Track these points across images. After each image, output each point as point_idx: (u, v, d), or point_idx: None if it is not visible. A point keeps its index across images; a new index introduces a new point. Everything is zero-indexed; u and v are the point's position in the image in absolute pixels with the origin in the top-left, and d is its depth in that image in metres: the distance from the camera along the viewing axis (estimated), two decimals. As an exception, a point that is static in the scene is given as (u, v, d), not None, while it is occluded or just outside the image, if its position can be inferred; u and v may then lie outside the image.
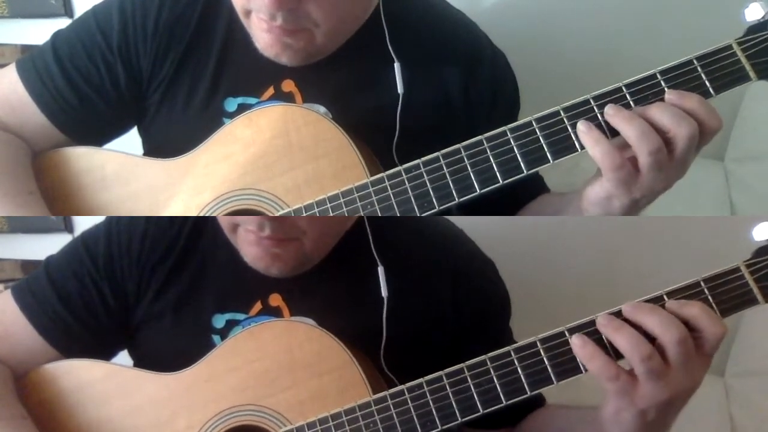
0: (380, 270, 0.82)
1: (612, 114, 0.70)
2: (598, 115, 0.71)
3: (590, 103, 0.71)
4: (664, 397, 0.65)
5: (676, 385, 0.65)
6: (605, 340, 0.67)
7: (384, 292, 0.81)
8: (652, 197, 0.72)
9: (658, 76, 0.71)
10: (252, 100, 0.85)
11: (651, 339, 0.66)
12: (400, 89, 0.83)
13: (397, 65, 0.83)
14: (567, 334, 0.69)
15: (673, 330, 0.65)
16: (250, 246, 0.78)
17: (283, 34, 0.77)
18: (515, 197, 0.91)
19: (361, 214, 0.75)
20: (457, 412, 0.70)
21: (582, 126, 0.71)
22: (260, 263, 0.79)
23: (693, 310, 0.66)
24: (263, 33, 0.78)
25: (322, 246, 0.81)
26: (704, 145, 0.70)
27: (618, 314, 0.68)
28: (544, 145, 0.72)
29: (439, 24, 0.89)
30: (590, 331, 0.68)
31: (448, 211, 0.78)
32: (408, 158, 0.75)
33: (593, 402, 0.72)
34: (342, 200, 0.76)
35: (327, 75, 0.85)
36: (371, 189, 0.75)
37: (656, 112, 0.69)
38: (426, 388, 0.71)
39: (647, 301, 0.68)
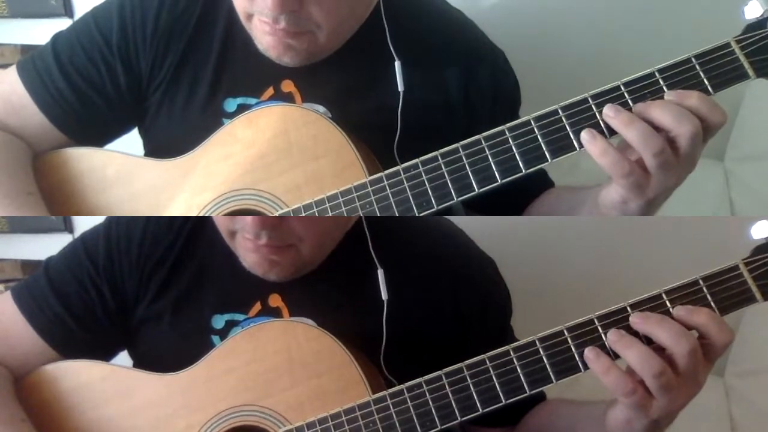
0: (380, 273, 0.81)
1: (612, 116, 0.69)
2: (597, 113, 0.70)
3: (588, 102, 0.71)
4: (675, 406, 0.66)
5: (685, 392, 0.66)
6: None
7: (384, 295, 0.81)
8: (668, 193, 0.71)
9: (657, 74, 0.70)
10: (252, 101, 0.85)
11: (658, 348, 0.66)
12: (400, 87, 0.83)
13: (397, 63, 0.83)
14: (566, 333, 0.69)
15: (683, 342, 0.65)
16: (248, 253, 0.78)
17: (286, 36, 0.77)
18: (521, 194, 0.91)
19: (360, 214, 0.75)
20: (456, 411, 0.70)
21: (586, 135, 0.69)
22: (259, 269, 0.79)
23: (701, 317, 0.66)
24: (266, 35, 0.78)
25: (320, 251, 0.81)
26: (710, 139, 0.69)
27: (625, 323, 0.68)
28: (542, 144, 0.71)
29: (439, 23, 0.90)
30: (597, 336, 0.68)
31: (449, 211, 0.77)
32: (410, 157, 0.75)
33: (590, 398, 0.72)
34: (341, 200, 0.75)
35: (327, 75, 0.85)
36: (370, 189, 0.75)
37: (657, 111, 0.68)
38: (425, 388, 0.71)
39: (646, 300, 0.68)
